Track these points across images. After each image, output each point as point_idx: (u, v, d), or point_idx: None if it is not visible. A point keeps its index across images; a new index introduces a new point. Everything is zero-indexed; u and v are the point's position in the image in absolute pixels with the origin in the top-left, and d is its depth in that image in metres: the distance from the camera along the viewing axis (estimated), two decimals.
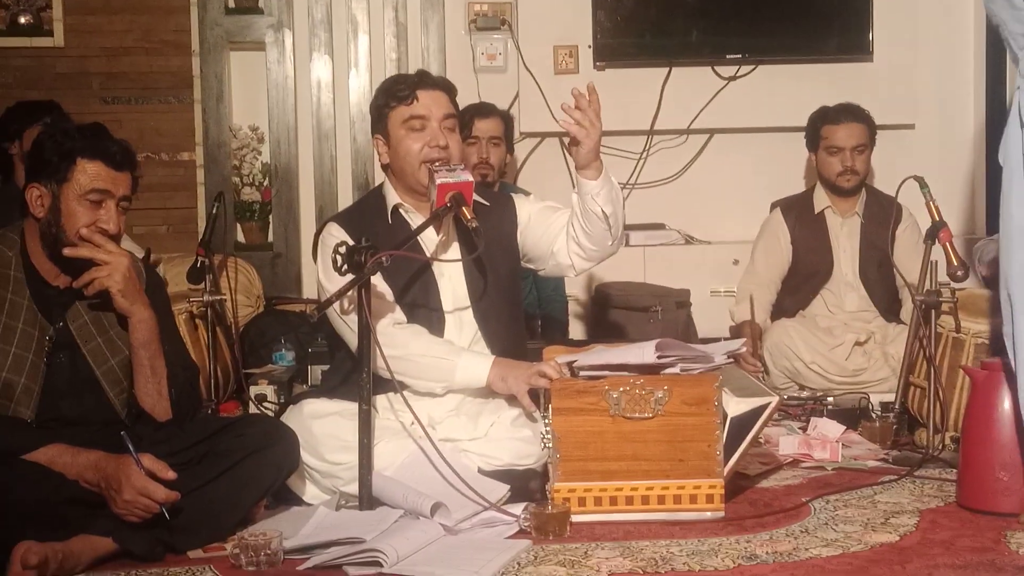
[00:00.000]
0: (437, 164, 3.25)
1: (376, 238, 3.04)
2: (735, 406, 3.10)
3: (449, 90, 3.42)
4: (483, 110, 4.68)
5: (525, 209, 3.49)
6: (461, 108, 4.60)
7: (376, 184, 3.96)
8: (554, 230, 3.41)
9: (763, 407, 3.11)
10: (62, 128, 2.89)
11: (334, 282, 3.09)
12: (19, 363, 2.82)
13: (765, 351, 4.62)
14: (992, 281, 4.28)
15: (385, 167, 3.44)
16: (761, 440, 3.78)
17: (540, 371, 3.11)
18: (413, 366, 3.21)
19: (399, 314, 3.29)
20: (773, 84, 5.65)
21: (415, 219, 3.35)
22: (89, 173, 2.84)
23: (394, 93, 3.35)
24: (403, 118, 3.33)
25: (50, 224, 2.84)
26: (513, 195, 3.60)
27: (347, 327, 3.24)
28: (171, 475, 2.68)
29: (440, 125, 3.33)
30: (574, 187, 3.30)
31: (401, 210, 3.38)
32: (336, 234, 3.27)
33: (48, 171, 2.84)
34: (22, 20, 5.52)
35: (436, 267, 3.34)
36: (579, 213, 3.30)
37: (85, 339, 2.91)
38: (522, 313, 3.58)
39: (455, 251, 3.37)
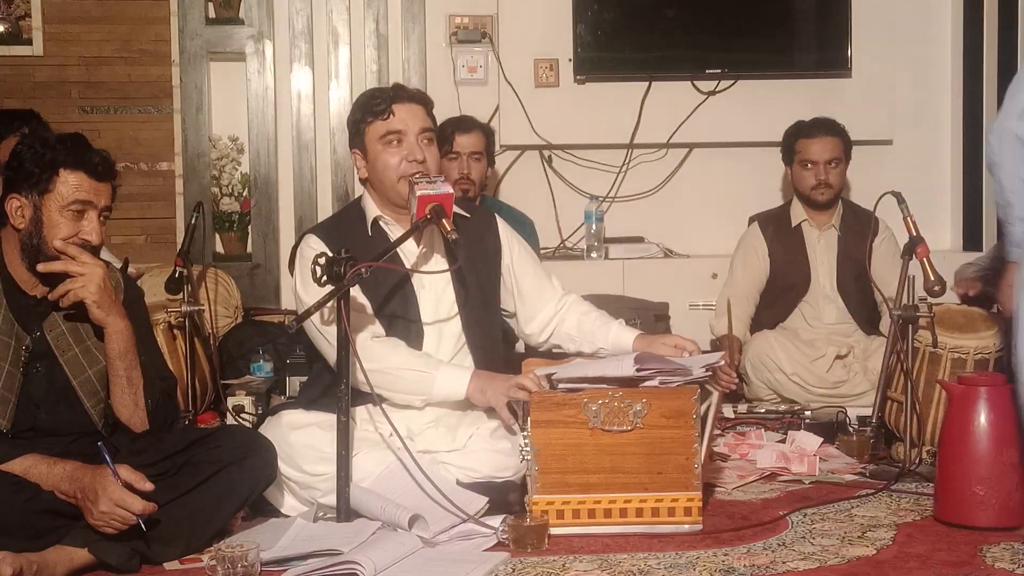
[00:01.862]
0: (417, 176, 3.25)
1: (356, 250, 3.04)
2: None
3: (425, 103, 3.41)
4: (464, 125, 4.66)
5: (512, 246, 3.52)
6: (442, 121, 4.63)
7: (355, 196, 3.95)
8: (543, 312, 3.53)
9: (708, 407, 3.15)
10: (42, 138, 2.88)
11: (312, 294, 3.08)
12: None
13: (747, 362, 4.64)
14: (971, 300, 4.30)
15: (364, 180, 3.43)
16: (738, 448, 3.82)
17: (519, 383, 3.11)
18: (392, 379, 3.20)
19: (378, 327, 3.28)
20: (752, 99, 5.67)
21: (395, 231, 3.35)
22: (71, 184, 2.83)
23: (370, 108, 3.35)
24: (380, 133, 3.33)
25: (31, 235, 2.83)
26: (497, 217, 3.60)
27: (325, 340, 3.23)
28: (148, 486, 2.67)
29: (417, 139, 3.32)
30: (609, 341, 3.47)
31: (381, 222, 3.38)
32: (315, 246, 3.26)
33: (29, 182, 2.82)
34: (1, 29, 5.49)
35: (416, 279, 3.34)
36: (591, 354, 3.45)
37: (62, 349, 2.89)
38: (499, 326, 3.58)
39: (436, 263, 3.37)
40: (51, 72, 5.50)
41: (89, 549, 2.69)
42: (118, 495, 2.63)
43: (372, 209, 3.39)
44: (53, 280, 2.85)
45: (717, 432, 3.76)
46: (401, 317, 3.31)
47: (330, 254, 3.01)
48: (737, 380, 4.58)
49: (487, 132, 4.75)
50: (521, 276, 3.51)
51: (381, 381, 3.14)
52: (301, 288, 3.29)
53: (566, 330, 3.52)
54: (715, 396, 3.18)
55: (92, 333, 2.93)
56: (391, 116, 3.32)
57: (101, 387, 2.93)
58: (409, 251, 3.33)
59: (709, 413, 3.13)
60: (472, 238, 3.32)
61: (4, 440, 2.79)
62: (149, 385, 2.94)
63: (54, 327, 2.90)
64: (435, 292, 3.36)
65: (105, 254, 3.02)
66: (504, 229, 3.55)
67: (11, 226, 2.86)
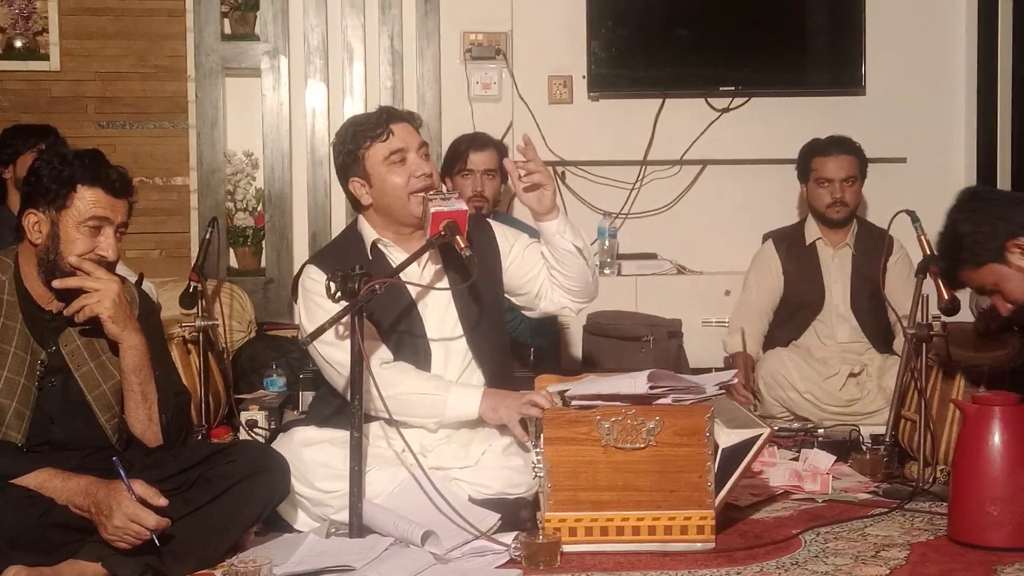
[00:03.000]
0: (431, 193, 3.26)
1: None
2: (726, 437, 3.11)
3: (414, 121, 3.42)
4: (477, 142, 4.66)
5: (509, 241, 3.49)
6: (455, 138, 4.66)
7: None
8: (542, 274, 3.45)
9: (754, 438, 3.11)
10: (59, 154, 2.88)
11: (316, 323, 3.07)
12: (10, 387, 2.81)
13: (760, 380, 4.64)
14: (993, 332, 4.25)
15: (362, 208, 3.41)
16: (755, 470, 3.80)
17: (531, 400, 3.11)
18: (404, 404, 3.19)
19: (385, 352, 3.28)
20: (766, 116, 5.68)
21: (395, 253, 3.35)
22: (88, 200, 2.84)
23: (366, 133, 3.32)
24: (383, 155, 3.31)
25: (48, 251, 2.84)
26: (492, 222, 3.59)
27: (332, 368, 3.24)
28: (162, 501, 2.67)
29: (418, 154, 3.33)
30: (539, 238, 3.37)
31: (380, 245, 3.38)
32: (315, 277, 3.25)
33: (47, 198, 2.83)
34: (18, 44, 5.52)
35: (420, 299, 3.34)
36: (553, 259, 3.37)
37: (77, 364, 2.90)
38: (508, 341, 3.58)
39: (437, 280, 3.36)
40: (68, 87, 5.54)
41: (103, 563, 2.69)
42: (132, 510, 2.64)
43: (370, 233, 3.39)
44: (69, 296, 2.86)
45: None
46: (408, 334, 3.31)
47: (332, 286, 3.00)
48: (752, 398, 4.58)
49: (501, 149, 4.75)
50: (524, 263, 3.47)
51: (393, 406, 3.12)
52: (305, 318, 3.30)
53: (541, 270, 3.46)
54: (766, 432, 3.16)
55: (107, 348, 2.94)
56: (391, 136, 3.31)
57: (116, 402, 2.93)
58: (411, 270, 3.31)
59: (755, 445, 3.11)
60: (476, 253, 3.30)
61: (19, 454, 2.79)
62: (163, 400, 2.95)
63: (69, 342, 2.91)
64: (438, 311, 3.36)
65: (121, 268, 3.03)
66: (499, 230, 3.52)
67: (28, 241, 2.87)
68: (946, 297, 3.64)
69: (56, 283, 2.83)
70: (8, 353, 2.83)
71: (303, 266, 3.44)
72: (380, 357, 3.26)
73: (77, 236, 2.84)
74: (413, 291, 3.31)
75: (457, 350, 3.36)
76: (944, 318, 3.72)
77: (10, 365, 2.82)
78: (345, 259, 3.28)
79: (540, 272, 3.45)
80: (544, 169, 3.28)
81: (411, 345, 3.31)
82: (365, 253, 3.36)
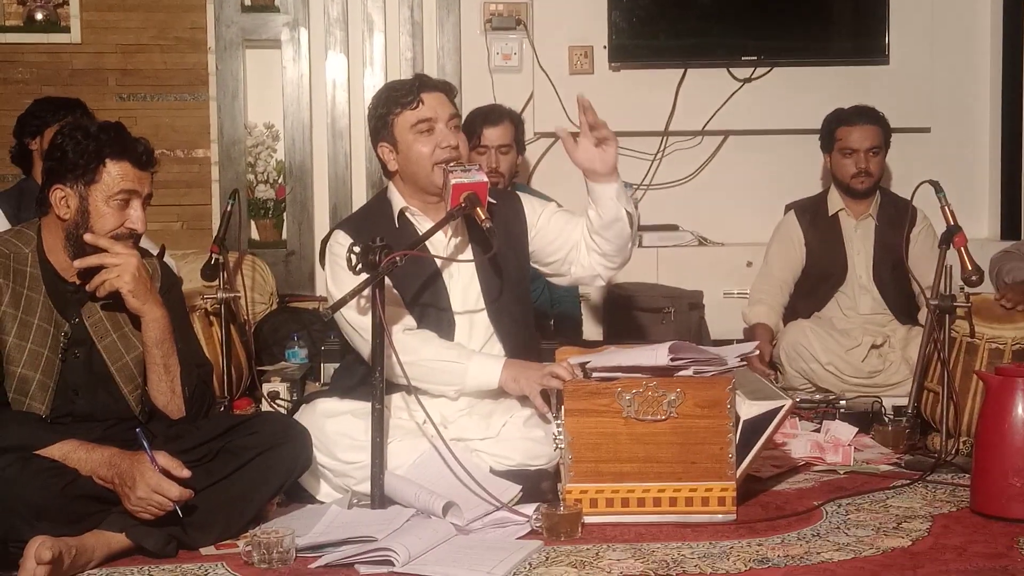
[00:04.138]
0: (452, 164, 3.25)
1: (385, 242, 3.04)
2: (748, 409, 3.10)
3: (449, 91, 3.41)
4: (491, 117, 4.57)
5: (536, 211, 3.49)
6: (469, 112, 4.60)
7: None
8: (571, 239, 3.43)
9: (776, 410, 3.11)
10: (82, 128, 2.88)
11: (342, 288, 3.09)
12: (34, 358, 2.83)
13: (781, 351, 4.62)
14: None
15: (391, 174, 3.42)
16: (777, 442, 3.79)
17: (552, 372, 3.11)
18: (424, 371, 3.21)
19: (409, 320, 3.29)
20: (788, 86, 5.64)
21: (422, 222, 3.35)
22: (116, 174, 2.85)
23: (397, 99, 3.33)
24: (411, 123, 3.32)
25: (78, 226, 2.85)
26: (520, 193, 3.59)
27: (357, 334, 3.25)
28: (185, 473, 2.69)
29: (448, 125, 3.32)
30: (589, 199, 3.32)
31: (408, 213, 3.38)
32: (343, 241, 3.26)
33: (74, 172, 2.84)
34: (39, 16, 5.53)
35: (445, 269, 3.34)
36: (599, 223, 3.32)
37: (100, 335, 2.92)
38: (532, 313, 3.58)
39: (465, 252, 3.37)
40: (89, 59, 5.54)
41: (127, 534, 2.71)
42: (155, 481, 2.66)
43: (399, 201, 3.39)
44: (91, 273, 2.88)
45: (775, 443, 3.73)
46: (432, 306, 3.32)
47: (352, 258, 3.01)
48: (771, 373, 4.57)
49: (516, 122, 4.67)
50: (551, 230, 3.45)
51: (414, 373, 3.14)
52: (332, 283, 3.31)
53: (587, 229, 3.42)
54: (788, 404, 3.15)
55: (130, 320, 2.95)
56: (420, 105, 3.31)
57: (139, 373, 2.95)
58: (438, 241, 3.32)
59: (776, 417, 3.10)
60: (500, 225, 3.31)
61: (43, 425, 2.81)
62: (186, 372, 2.97)
63: (92, 313, 2.93)
64: (463, 282, 3.36)
65: (143, 241, 3.04)
66: (527, 203, 3.51)
67: (54, 215, 2.88)
68: (970, 268, 3.62)
69: (77, 263, 2.85)
70: (32, 325, 2.84)
71: (331, 231, 3.46)
72: (404, 324, 3.27)
73: (107, 210, 2.85)
74: (438, 261, 3.31)
75: (481, 322, 3.37)
76: (968, 289, 3.70)
77: (34, 337, 2.84)
78: (373, 226, 3.30)
79: (570, 238, 3.43)
80: (606, 126, 3.24)
81: (435, 316, 3.32)
82: (392, 221, 3.37)
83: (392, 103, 3.34)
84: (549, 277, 3.58)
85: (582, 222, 3.42)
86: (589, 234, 3.38)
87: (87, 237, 2.84)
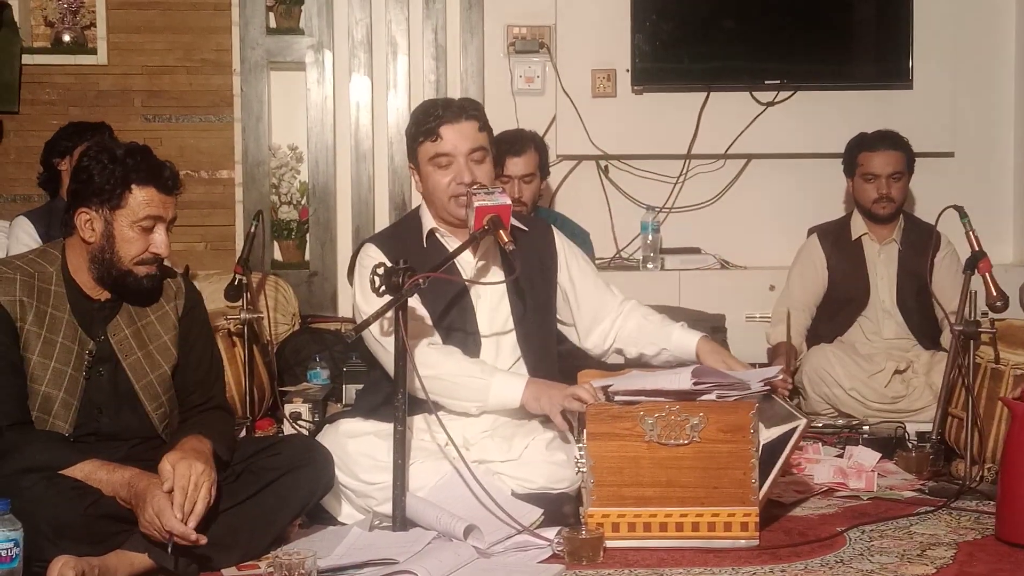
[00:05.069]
0: (476, 187, 3.26)
1: (412, 261, 3.05)
2: (764, 434, 3.09)
3: (477, 117, 3.37)
4: (515, 147, 4.53)
5: (571, 258, 3.52)
6: (495, 136, 4.58)
7: (412, 205, 3.99)
8: (599, 317, 3.52)
9: (791, 431, 3.10)
10: (108, 151, 2.88)
11: (371, 303, 3.09)
12: (58, 377, 2.84)
13: (804, 376, 4.61)
14: None
15: (422, 193, 3.45)
16: (795, 463, 3.78)
17: (575, 394, 3.10)
18: (447, 386, 3.22)
19: (435, 337, 3.30)
20: (811, 110, 5.64)
21: (450, 243, 3.36)
22: (142, 200, 2.86)
23: (421, 127, 3.34)
24: (429, 155, 3.33)
25: (103, 250, 2.86)
26: (554, 229, 3.59)
27: (383, 348, 3.25)
28: (201, 541, 2.66)
29: (467, 160, 3.32)
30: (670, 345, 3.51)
31: (437, 234, 3.40)
32: (373, 255, 3.29)
33: (100, 197, 2.84)
34: (66, 38, 5.58)
35: (473, 291, 3.35)
36: (659, 361, 3.50)
37: (126, 353, 2.93)
38: (555, 341, 3.58)
39: (493, 274, 3.38)
40: (115, 81, 5.58)
41: (149, 554, 2.71)
42: (158, 506, 2.64)
43: (428, 221, 3.41)
44: (124, 290, 2.90)
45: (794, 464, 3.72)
46: (459, 329, 3.32)
47: (387, 264, 3.02)
48: (791, 385, 4.54)
49: (540, 148, 4.66)
50: (580, 287, 3.51)
51: (437, 388, 3.15)
52: (360, 297, 3.32)
53: (627, 333, 3.50)
54: (803, 423, 3.14)
55: (155, 337, 2.97)
56: (439, 139, 3.31)
57: (163, 391, 2.96)
58: (466, 262, 3.34)
59: (792, 437, 3.09)
60: (529, 250, 3.32)
61: (66, 444, 2.82)
62: (216, 435, 2.93)
63: (118, 331, 2.94)
64: (491, 304, 3.37)
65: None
66: (560, 240, 3.55)
67: (79, 236, 2.89)
68: (995, 294, 3.60)
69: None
70: (56, 343, 2.86)
71: (362, 244, 3.47)
72: (429, 340, 3.28)
73: (132, 235, 2.86)
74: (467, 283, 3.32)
75: (508, 344, 3.38)
76: (992, 315, 3.68)
77: (57, 355, 2.85)
78: (402, 243, 3.32)
79: (598, 315, 3.51)
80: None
81: (461, 338, 3.32)
82: (421, 240, 3.39)
83: (418, 130, 3.36)
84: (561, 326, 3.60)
85: (613, 305, 3.52)
86: (641, 347, 3.51)
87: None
